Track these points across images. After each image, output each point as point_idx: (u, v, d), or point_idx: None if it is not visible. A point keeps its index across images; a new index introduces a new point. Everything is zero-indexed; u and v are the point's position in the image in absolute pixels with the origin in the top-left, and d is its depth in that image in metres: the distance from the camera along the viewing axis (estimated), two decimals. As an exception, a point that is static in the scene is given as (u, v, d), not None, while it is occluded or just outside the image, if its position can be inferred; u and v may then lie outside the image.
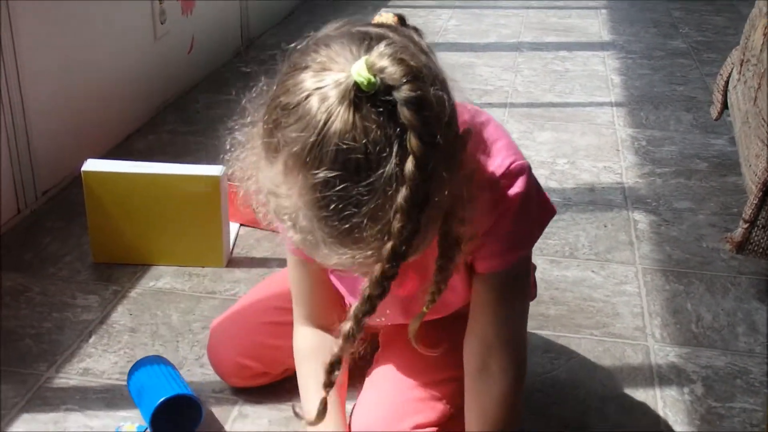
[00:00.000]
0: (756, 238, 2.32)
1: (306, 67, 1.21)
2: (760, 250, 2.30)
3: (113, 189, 2.33)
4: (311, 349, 1.71)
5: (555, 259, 2.49)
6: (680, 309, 2.29)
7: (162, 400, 1.76)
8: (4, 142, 2.54)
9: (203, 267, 2.40)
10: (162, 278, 2.36)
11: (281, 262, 2.42)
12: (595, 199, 2.89)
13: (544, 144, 3.31)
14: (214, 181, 2.31)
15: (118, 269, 2.38)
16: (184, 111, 3.52)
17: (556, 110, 3.69)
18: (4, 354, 2.05)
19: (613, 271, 2.46)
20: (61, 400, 1.91)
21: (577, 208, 2.79)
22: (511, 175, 1.43)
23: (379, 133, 1.15)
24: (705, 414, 1.92)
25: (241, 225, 2.61)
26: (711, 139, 3.39)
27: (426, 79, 1.20)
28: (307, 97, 1.18)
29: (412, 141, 1.16)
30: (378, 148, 1.15)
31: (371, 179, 1.16)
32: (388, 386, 1.72)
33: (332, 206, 1.17)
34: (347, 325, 1.28)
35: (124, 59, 3.18)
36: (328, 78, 1.18)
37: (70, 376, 1.98)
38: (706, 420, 1.90)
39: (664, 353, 2.11)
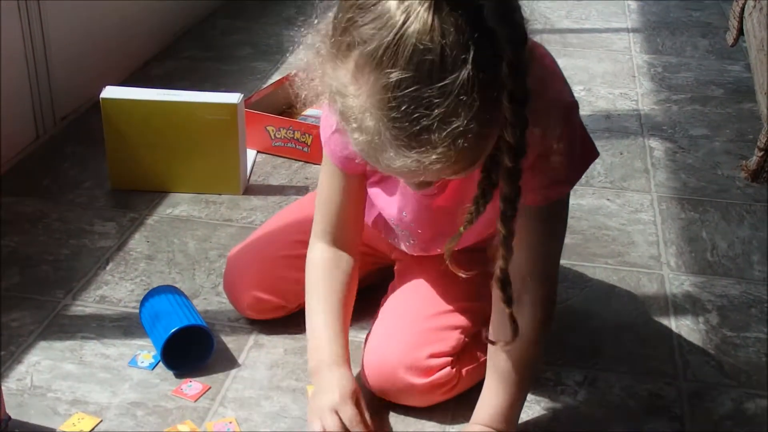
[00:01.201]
0: (771, 166, 2.33)
1: None
2: (775, 178, 2.31)
3: (131, 116, 2.33)
4: (325, 260, 1.72)
5: (570, 187, 2.48)
6: (695, 237, 2.29)
7: (174, 330, 1.76)
8: (23, 68, 2.54)
9: (220, 194, 2.40)
10: (179, 205, 2.36)
11: (298, 190, 2.43)
12: (611, 126, 2.88)
13: (560, 70, 3.29)
14: (231, 108, 2.30)
15: (135, 196, 2.39)
16: (203, 37, 3.51)
17: (573, 36, 3.67)
18: (22, 280, 2.06)
19: (629, 200, 2.46)
20: (77, 327, 1.92)
21: (593, 136, 2.68)
22: (560, 110, 1.41)
23: (457, 37, 1.13)
24: (720, 343, 1.93)
25: (258, 152, 2.62)
26: (727, 65, 3.38)
27: None
28: None
29: (503, 44, 1.15)
30: (454, 53, 1.13)
31: (445, 82, 1.14)
32: (404, 316, 1.73)
33: (403, 107, 1.15)
34: (500, 233, 1.29)
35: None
36: None
37: (86, 304, 1.99)
38: (721, 349, 1.91)
39: (679, 282, 2.12)
